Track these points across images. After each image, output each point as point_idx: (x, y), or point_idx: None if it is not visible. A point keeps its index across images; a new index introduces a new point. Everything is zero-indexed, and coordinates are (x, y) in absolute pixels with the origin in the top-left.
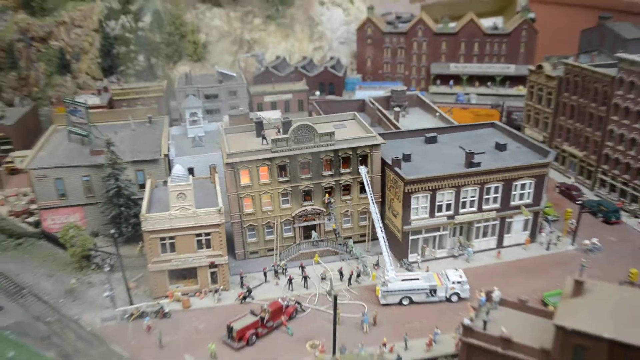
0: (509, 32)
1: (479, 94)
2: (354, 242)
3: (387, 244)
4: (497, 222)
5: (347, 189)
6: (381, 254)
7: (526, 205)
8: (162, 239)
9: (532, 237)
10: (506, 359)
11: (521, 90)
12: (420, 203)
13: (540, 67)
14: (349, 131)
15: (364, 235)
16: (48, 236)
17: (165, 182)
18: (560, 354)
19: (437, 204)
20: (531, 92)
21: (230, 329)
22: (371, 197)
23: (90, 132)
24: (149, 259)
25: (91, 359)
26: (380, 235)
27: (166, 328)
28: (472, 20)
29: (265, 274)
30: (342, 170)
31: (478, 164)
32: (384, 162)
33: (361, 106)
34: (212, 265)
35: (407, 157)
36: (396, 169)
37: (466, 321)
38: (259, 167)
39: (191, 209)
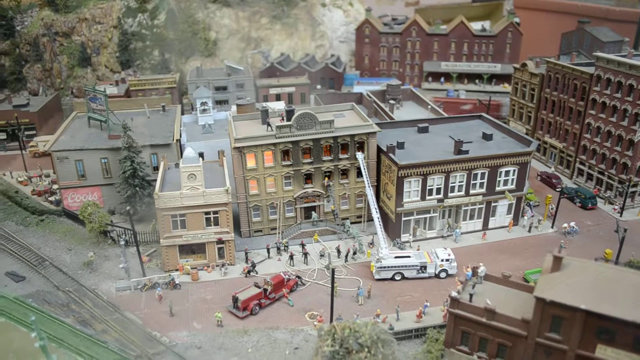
0: (495, 34)
1: (467, 91)
2: (351, 223)
3: (381, 224)
4: (483, 205)
5: (345, 173)
6: (376, 233)
7: (510, 191)
8: (174, 216)
9: (515, 221)
10: (490, 328)
11: (506, 87)
12: (412, 187)
13: (524, 65)
14: (348, 120)
15: (360, 216)
16: (68, 214)
17: (177, 165)
18: (540, 323)
19: (428, 188)
20: (516, 88)
21: (235, 299)
22: (367, 181)
23: (108, 118)
24: (162, 234)
25: (107, 324)
26: (375, 216)
27: (176, 298)
28: (462, 22)
29: (268, 251)
30: (341, 156)
31: (466, 152)
32: (379, 149)
33: (359, 99)
34: (220, 241)
35: (400, 145)
36: (390, 155)
37: (454, 293)
38: (264, 151)
39: (201, 189)
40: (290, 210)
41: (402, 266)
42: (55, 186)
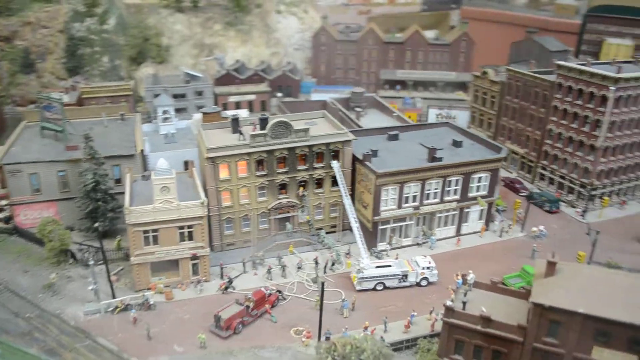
0: (449, 43)
1: (423, 98)
2: (326, 233)
3: (361, 233)
4: (457, 212)
5: (319, 182)
6: (352, 243)
7: (482, 197)
8: (146, 231)
9: (487, 226)
10: (485, 336)
11: (461, 95)
12: (389, 195)
13: (484, 73)
14: (321, 128)
15: (334, 226)
16: (21, 232)
17: (144, 177)
18: (537, 329)
19: (404, 195)
20: (476, 95)
21: (218, 318)
22: (344, 190)
23: (65, 127)
24: (132, 251)
25: (78, 352)
26: (354, 225)
27: (152, 320)
28: (417, 31)
29: (244, 265)
30: (316, 165)
31: (440, 159)
32: (354, 158)
33: (323, 107)
34: (194, 257)
35: (374, 153)
36: (367, 163)
37: (448, 302)
38: (237, 161)
39: (175, 202)
40: (264, 222)
41: (383, 276)
42: (3, 202)
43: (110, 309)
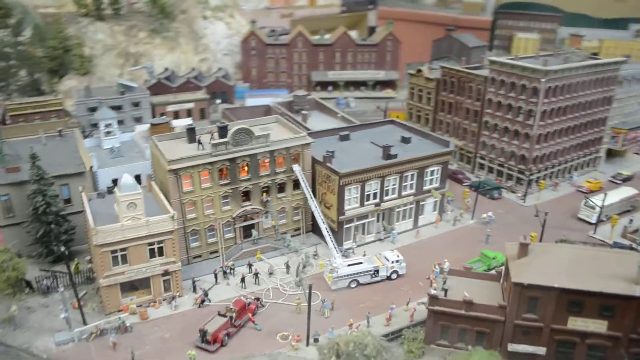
0: (376, 43)
1: (356, 98)
2: (291, 236)
3: (330, 233)
4: (413, 205)
5: (282, 187)
6: (317, 244)
7: (435, 189)
8: (114, 251)
9: (440, 216)
10: (469, 319)
11: (390, 93)
12: (352, 194)
13: (419, 70)
14: (278, 133)
15: (298, 229)
16: None
17: (99, 195)
18: (517, 307)
19: (366, 193)
20: (412, 92)
21: (204, 333)
22: (309, 192)
23: (2, 148)
24: (100, 273)
25: None
26: (323, 226)
27: (132, 342)
28: (345, 32)
29: (215, 276)
30: (278, 170)
31: (395, 156)
32: (314, 160)
33: (267, 111)
34: (166, 273)
35: (331, 154)
36: (329, 164)
37: (432, 291)
38: (200, 171)
39: (143, 218)
40: (229, 231)
41: (357, 273)
42: None
43: (84, 336)
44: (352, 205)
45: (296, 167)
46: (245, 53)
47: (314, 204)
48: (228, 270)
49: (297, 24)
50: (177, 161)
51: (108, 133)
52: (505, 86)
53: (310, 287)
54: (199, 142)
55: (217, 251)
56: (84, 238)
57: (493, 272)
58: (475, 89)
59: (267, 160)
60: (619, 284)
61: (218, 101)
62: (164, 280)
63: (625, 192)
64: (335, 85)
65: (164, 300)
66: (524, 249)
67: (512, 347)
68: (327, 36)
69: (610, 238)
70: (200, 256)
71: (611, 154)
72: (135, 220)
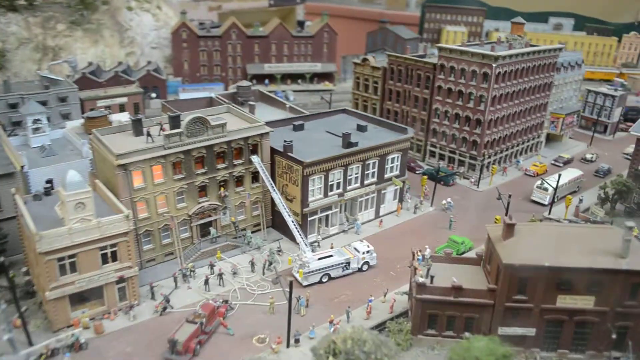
0: (313, 35)
1: (295, 91)
2: (251, 233)
3: (297, 227)
4: (375, 194)
5: (240, 180)
6: (279, 239)
7: (396, 177)
8: (61, 259)
9: (401, 204)
10: (457, 305)
11: (328, 85)
12: (316, 184)
13: (365, 59)
14: (234, 123)
15: (258, 224)
16: None
17: (36, 197)
18: (508, 288)
19: (329, 183)
20: (357, 82)
21: (174, 343)
22: (271, 184)
23: None
24: (46, 285)
25: None
26: (290, 219)
27: None
28: (280, 24)
29: (175, 280)
30: (235, 162)
31: (356, 144)
32: (273, 150)
33: (209, 103)
34: (121, 279)
35: (290, 144)
36: (290, 154)
37: (420, 280)
38: (152, 166)
39: (93, 220)
40: (185, 230)
41: (328, 267)
42: None
43: (33, 358)
44: (315, 197)
45: (255, 158)
46: (177, 45)
47: (277, 196)
48: (188, 273)
49: (226, 17)
50: (127, 155)
51: (37, 130)
52: (455, 73)
53: (291, 284)
54: (149, 135)
55: (172, 253)
56: (18, 247)
57: (473, 255)
58: (424, 77)
59: (224, 151)
60: (605, 259)
61: (153, 95)
62: (118, 289)
63: (572, 173)
64: (272, 78)
65: (119, 310)
66: (510, 230)
67: (503, 330)
68: (261, 28)
69: (564, 218)
70: (154, 259)
71: (549, 139)
72: (85, 222)
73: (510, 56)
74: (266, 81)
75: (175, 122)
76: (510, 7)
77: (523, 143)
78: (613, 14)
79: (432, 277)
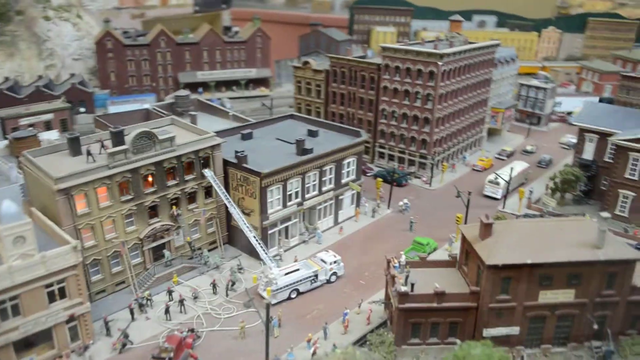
0: (245, 40)
1: (230, 98)
2: (208, 251)
3: (260, 242)
4: (333, 201)
5: (192, 197)
6: (237, 256)
7: (352, 181)
8: (1, 302)
9: (359, 209)
10: (440, 311)
11: (264, 91)
12: (274, 195)
13: (306, 63)
14: (179, 135)
15: (213, 242)
16: None
17: None
18: (492, 289)
19: (288, 193)
20: (299, 86)
21: None
22: (227, 198)
23: None
24: None
25: None
26: (251, 234)
27: None
28: (211, 30)
29: (131, 311)
30: (186, 177)
31: (311, 150)
32: (225, 162)
33: (146, 115)
34: (71, 318)
35: (244, 154)
36: (246, 165)
37: (402, 288)
38: (96, 188)
39: (36, 255)
40: (136, 256)
41: (297, 282)
42: None
43: None
44: (274, 208)
45: (208, 172)
46: (101, 56)
47: (236, 211)
48: (144, 302)
49: (150, 25)
50: (67, 178)
51: None
52: (401, 72)
53: (268, 306)
54: (89, 154)
55: (124, 281)
56: None
57: (447, 257)
58: (368, 78)
59: (174, 166)
60: (583, 251)
61: (82, 110)
62: (69, 328)
63: (520, 166)
64: (205, 86)
65: (72, 352)
66: (487, 230)
67: (487, 332)
68: (191, 35)
69: (519, 210)
70: (104, 290)
71: (490, 133)
72: (27, 258)
73: (454, 54)
74: (200, 89)
75: (118, 138)
76: (436, 6)
77: (468, 139)
78: (532, 10)
79: (412, 285)
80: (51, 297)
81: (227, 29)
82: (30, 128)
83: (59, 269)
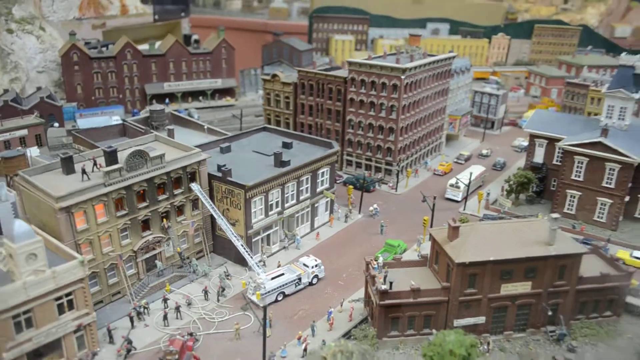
0: (211, 51)
1: (197, 108)
2: (196, 260)
3: (247, 249)
4: (309, 208)
5: (180, 209)
6: (224, 263)
7: (326, 189)
8: (16, 316)
9: (332, 215)
10: (416, 305)
11: (229, 100)
12: (257, 206)
13: (274, 75)
14: (168, 152)
15: (200, 251)
16: None
17: None
18: (460, 284)
19: (269, 203)
20: (268, 98)
21: None
22: (215, 210)
23: None
24: (2, 346)
25: None
26: (238, 243)
27: None
28: (177, 41)
29: (131, 319)
30: (175, 192)
31: (288, 162)
32: (210, 176)
33: (122, 130)
34: (79, 328)
35: (228, 168)
36: (230, 179)
37: (382, 287)
38: (95, 205)
39: (47, 270)
40: (130, 267)
41: (283, 285)
42: None
43: None
44: (258, 218)
45: (195, 186)
46: (68, 69)
47: (223, 222)
48: (142, 310)
49: (111, 35)
50: (67, 197)
51: None
52: (366, 85)
53: (265, 308)
54: (84, 172)
55: (119, 292)
56: None
57: (418, 257)
58: (335, 90)
59: (164, 182)
60: (537, 248)
61: (56, 125)
62: (76, 338)
63: (477, 170)
64: (172, 97)
65: None
66: (455, 232)
67: (457, 322)
68: (158, 43)
69: (478, 211)
70: (102, 301)
71: (448, 138)
72: (39, 274)
73: (416, 67)
74: (167, 100)
75: (112, 157)
76: (391, 14)
77: (428, 145)
78: (482, 18)
79: (390, 284)
80: (60, 309)
81: (187, 37)
82: (19, 148)
83: (67, 282)
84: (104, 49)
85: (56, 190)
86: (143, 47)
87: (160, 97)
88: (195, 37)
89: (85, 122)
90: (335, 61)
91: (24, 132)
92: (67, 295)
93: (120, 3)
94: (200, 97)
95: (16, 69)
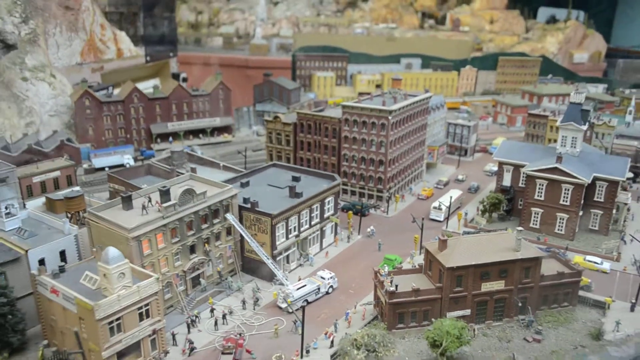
0: (209, 93)
1: (199, 145)
2: (230, 277)
3: (277, 266)
4: (319, 231)
5: (217, 236)
6: (252, 279)
7: (332, 215)
8: (111, 322)
9: (337, 236)
10: (418, 302)
11: (227, 137)
12: (280, 230)
13: (276, 117)
14: (202, 188)
15: (232, 270)
16: None
17: (55, 275)
18: (450, 285)
19: (289, 228)
20: (270, 136)
21: None
22: (248, 236)
23: None
24: (102, 346)
25: None
26: (269, 261)
27: None
28: (179, 85)
29: (188, 326)
30: (214, 221)
31: (301, 194)
32: (240, 207)
33: (147, 169)
34: (153, 332)
35: (255, 201)
36: (257, 209)
37: (390, 289)
38: (156, 234)
39: (133, 286)
40: (181, 284)
41: (307, 294)
42: None
43: None
44: (281, 240)
45: (229, 216)
46: (80, 112)
47: (255, 245)
48: (194, 319)
49: (108, 77)
50: (137, 228)
51: (8, 214)
52: (358, 124)
53: (303, 310)
54: (144, 208)
55: (172, 306)
56: (34, 321)
57: (415, 266)
58: (331, 129)
59: (206, 214)
60: (508, 254)
61: (85, 166)
62: (151, 340)
63: (455, 193)
64: (175, 135)
65: (154, 359)
66: (444, 244)
67: (449, 314)
68: (152, 81)
69: (458, 229)
70: None
71: (428, 167)
72: (127, 289)
73: (400, 108)
74: (170, 139)
75: (165, 194)
76: (368, 52)
77: (412, 173)
78: (451, 52)
79: (396, 286)
80: (140, 317)
81: (175, 75)
82: (76, 189)
83: (146, 295)
84: (104, 91)
85: (126, 223)
86: (145, 87)
87: (164, 136)
88: (183, 75)
89: (99, 161)
90: (318, 96)
91: (57, 173)
92: (146, 305)
93: (116, 47)
94: (200, 135)
95: (31, 113)
